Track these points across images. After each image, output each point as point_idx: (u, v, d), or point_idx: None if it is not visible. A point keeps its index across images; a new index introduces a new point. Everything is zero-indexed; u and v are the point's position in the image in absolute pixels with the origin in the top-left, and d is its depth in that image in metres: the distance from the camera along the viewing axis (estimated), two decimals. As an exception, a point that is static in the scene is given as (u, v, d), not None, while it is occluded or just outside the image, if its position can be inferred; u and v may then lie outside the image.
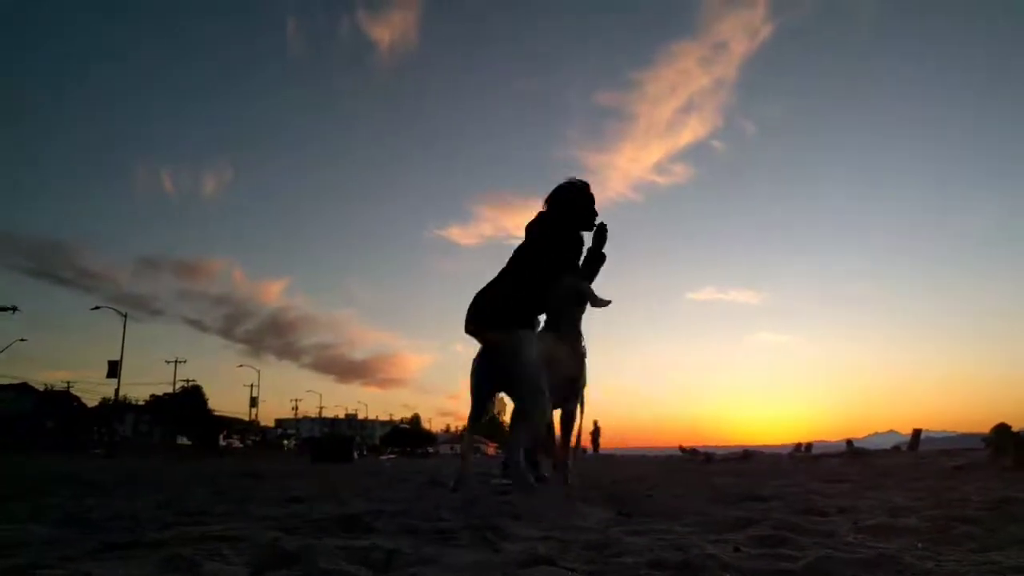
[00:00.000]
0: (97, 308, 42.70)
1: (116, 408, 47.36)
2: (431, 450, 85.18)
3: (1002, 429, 7.13)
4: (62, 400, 55.03)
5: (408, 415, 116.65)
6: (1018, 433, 7.08)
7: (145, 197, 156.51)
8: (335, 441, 28.25)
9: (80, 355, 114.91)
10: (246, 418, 67.78)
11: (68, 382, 58.13)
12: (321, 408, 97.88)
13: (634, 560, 1.53)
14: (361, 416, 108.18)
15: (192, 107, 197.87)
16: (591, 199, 4.54)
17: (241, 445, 58.95)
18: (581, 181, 4.53)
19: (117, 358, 42.13)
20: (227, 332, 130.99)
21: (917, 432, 13.93)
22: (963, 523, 2.19)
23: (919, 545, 1.82)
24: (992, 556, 1.63)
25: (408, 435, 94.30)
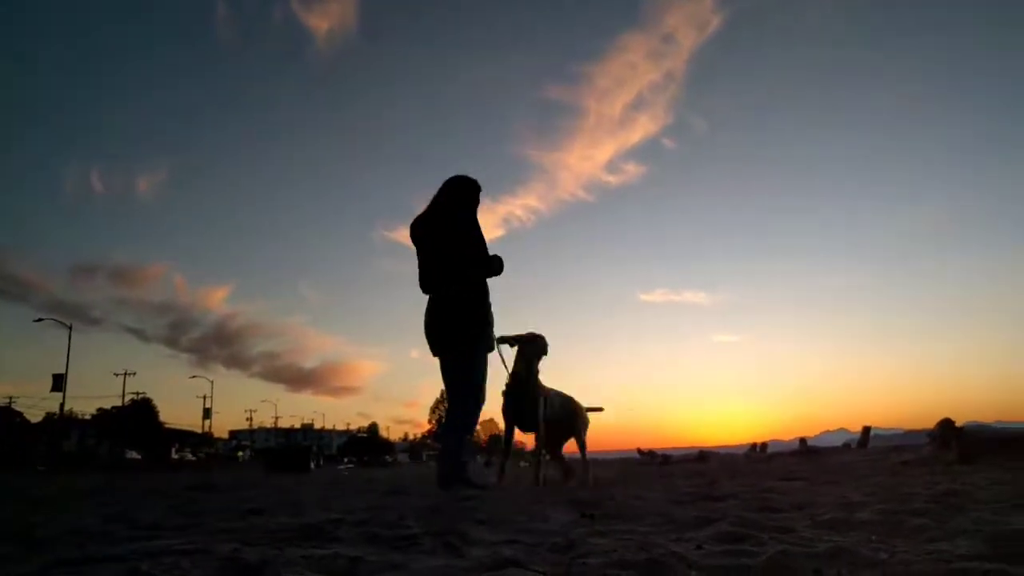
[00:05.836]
0: (40, 320, 41.22)
1: (62, 423, 45.75)
2: (389, 459, 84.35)
3: (946, 424, 7.40)
4: (4, 415, 52.96)
5: (365, 424, 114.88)
6: (961, 428, 7.35)
7: (74, 199, 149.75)
8: (291, 451, 27.75)
9: (20, 368, 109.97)
10: (199, 430, 66.20)
11: (10, 397, 56.10)
12: (276, 418, 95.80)
13: (600, 561, 1.54)
14: (317, 426, 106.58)
15: (119, 101, 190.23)
16: (472, 189, 4.78)
17: (194, 458, 57.42)
18: (465, 177, 4.79)
19: (59, 371, 40.66)
20: (172, 341, 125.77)
21: (867, 429, 14.36)
22: (913, 516, 2.26)
23: (873, 538, 1.88)
24: (941, 546, 1.69)
25: (366, 444, 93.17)
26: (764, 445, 17.83)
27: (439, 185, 4.76)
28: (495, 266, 4.63)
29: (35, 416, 55.74)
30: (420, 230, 4.66)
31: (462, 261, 4.55)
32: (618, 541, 1.84)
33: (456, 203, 4.68)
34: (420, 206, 4.78)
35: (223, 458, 63.01)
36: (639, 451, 20.22)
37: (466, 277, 4.55)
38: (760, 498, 3.21)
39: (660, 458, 15.46)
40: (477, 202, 4.79)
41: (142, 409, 59.00)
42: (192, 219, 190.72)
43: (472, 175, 4.78)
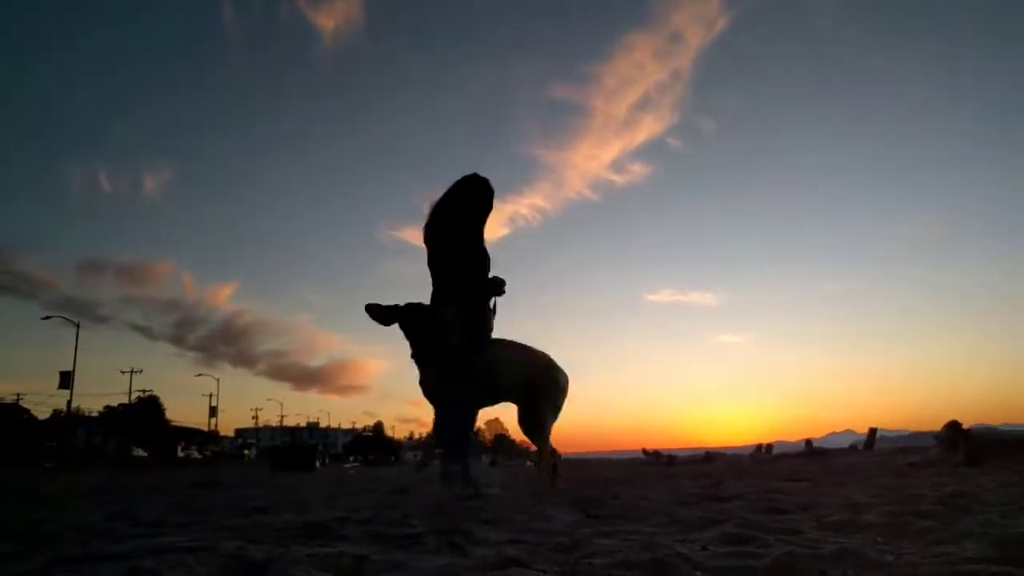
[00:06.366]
0: (48, 317, 41.41)
1: (69, 420, 45.98)
2: (393, 458, 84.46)
3: (953, 426, 7.35)
4: (11, 413, 53.22)
5: (371, 423, 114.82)
6: (969, 430, 7.31)
7: (82, 198, 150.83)
8: (297, 450, 27.76)
9: (27, 365, 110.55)
10: (205, 428, 66.49)
11: (18, 394, 56.38)
12: (283, 417, 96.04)
13: (604, 561, 1.53)
14: (323, 424, 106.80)
15: (126, 102, 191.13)
16: (485, 192, 4.54)
17: (200, 456, 57.71)
18: (475, 176, 4.55)
19: (67, 368, 40.86)
20: (178, 339, 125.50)
21: (873, 431, 14.30)
22: (919, 518, 2.25)
23: (879, 540, 1.86)
24: (947, 548, 1.68)
25: (371, 443, 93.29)
26: (770, 446, 17.75)
27: (445, 184, 4.69)
28: (495, 286, 4.51)
29: (42, 413, 56.00)
30: (426, 243, 4.60)
31: (461, 269, 4.51)
32: (623, 541, 1.83)
33: (457, 210, 4.60)
34: (425, 205, 4.73)
35: (229, 456, 63.30)
36: (644, 451, 20.16)
37: (463, 284, 4.50)
38: (766, 499, 3.19)
39: (665, 459, 15.41)
40: (488, 206, 4.67)
41: (149, 407, 59.16)
42: (198, 218, 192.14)
43: (486, 171, 4.62)
